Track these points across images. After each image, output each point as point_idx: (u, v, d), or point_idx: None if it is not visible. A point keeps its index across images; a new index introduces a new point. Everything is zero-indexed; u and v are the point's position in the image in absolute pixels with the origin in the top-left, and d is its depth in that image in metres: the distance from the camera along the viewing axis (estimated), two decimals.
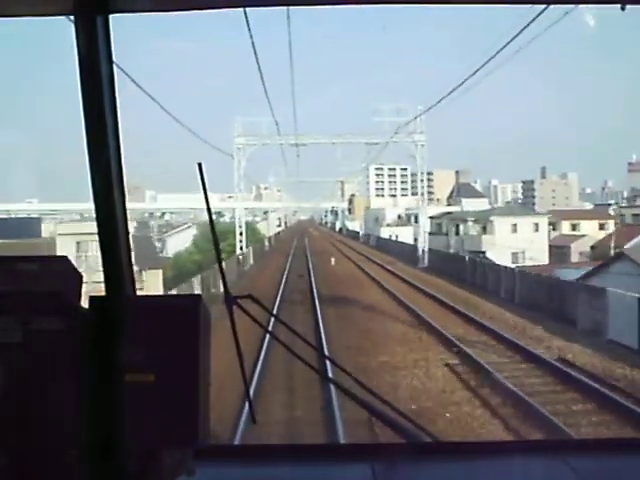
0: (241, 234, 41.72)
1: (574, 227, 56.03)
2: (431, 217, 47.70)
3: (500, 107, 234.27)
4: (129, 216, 1.62)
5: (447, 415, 10.86)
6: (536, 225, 51.65)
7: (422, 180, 44.47)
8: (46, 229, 38.52)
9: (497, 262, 32.07)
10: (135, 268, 1.73)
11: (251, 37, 17.88)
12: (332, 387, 9.11)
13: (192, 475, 1.37)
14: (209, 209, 1.64)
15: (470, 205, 70.49)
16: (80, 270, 1.47)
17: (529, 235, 48.93)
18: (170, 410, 1.30)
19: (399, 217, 73.38)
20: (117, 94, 1.56)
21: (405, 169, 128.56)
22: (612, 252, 35.66)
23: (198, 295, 1.40)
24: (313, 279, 29.74)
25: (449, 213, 60.02)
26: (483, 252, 43.91)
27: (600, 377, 12.94)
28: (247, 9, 5.69)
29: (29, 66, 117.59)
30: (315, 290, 25.88)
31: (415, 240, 47.72)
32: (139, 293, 1.66)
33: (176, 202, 78.26)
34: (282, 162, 74.73)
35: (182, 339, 1.32)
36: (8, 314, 1.32)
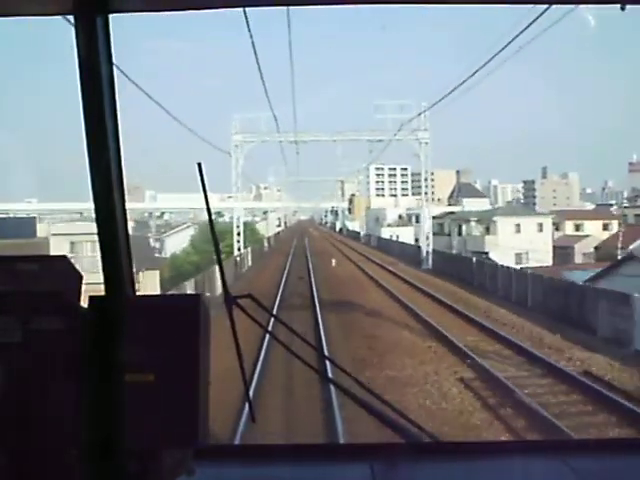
0: (239, 234, 40.98)
1: (577, 227, 55.71)
2: (433, 217, 47.24)
3: (500, 107, 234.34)
4: (128, 216, 1.62)
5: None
6: (540, 225, 51.09)
7: (426, 179, 42.84)
8: (42, 229, 38.17)
9: (500, 263, 31.55)
10: None
11: (251, 37, 17.84)
12: (332, 387, 9.06)
13: (192, 475, 1.37)
14: (209, 209, 1.64)
15: (471, 205, 70.58)
16: None
17: (533, 235, 48.38)
18: (170, 410, 1.30)
19: (400, 217, 73.22)
20: (117, 94, 1.56)
21: (405, 169, 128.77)
22: (619, 253, 35.17)
23: (198, 295, 1.40)
24: (313, 281, 29.05)
25: (451, 213, 59.46)
26: (486, 253, 43.25)
27: (636, 396, 11.26)
28: (246, 9, 5.70)
29: (29, 66, 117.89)
30: (316, 294, 24.88)
31: (416, 240, 47.44)
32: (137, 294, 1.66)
33: (176, 202, 78.13)
34: (282, 161, 74.74)
35: (182, 339, 1.32)
36: (8, 314, 1.32)
